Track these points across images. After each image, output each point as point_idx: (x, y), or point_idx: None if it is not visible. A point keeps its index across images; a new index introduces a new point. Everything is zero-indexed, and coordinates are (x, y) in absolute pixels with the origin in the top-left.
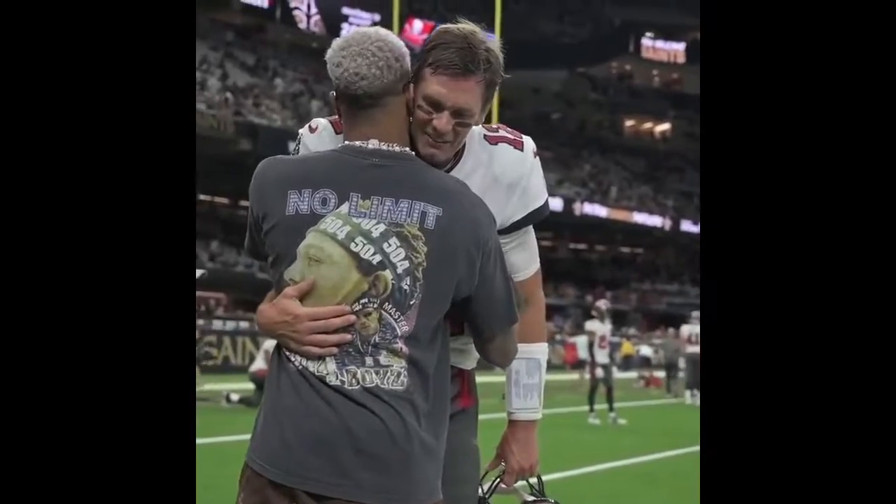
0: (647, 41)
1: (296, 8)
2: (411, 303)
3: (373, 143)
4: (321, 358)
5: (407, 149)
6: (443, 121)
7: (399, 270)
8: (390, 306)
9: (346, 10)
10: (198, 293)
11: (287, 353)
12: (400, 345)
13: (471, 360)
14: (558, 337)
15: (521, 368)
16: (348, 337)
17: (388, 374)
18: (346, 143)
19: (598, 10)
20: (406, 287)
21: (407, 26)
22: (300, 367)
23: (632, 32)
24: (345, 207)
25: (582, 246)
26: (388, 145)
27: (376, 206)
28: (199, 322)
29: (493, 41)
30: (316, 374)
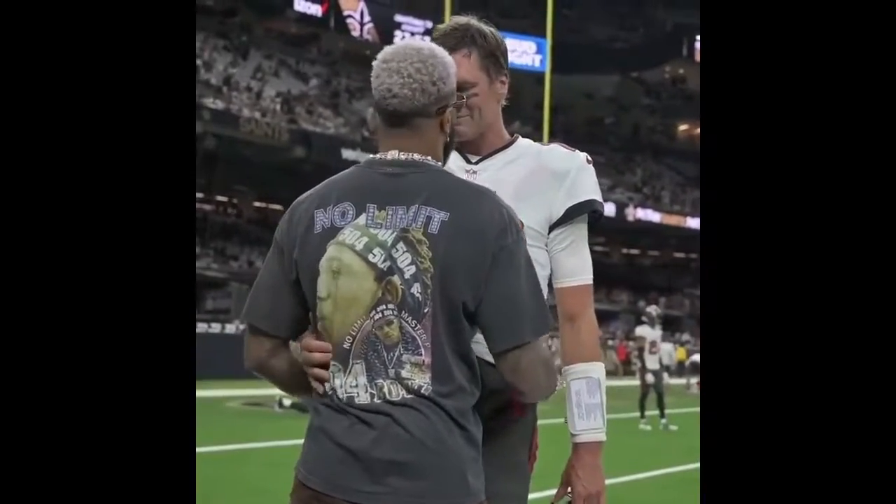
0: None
1: (349, 16)
2: (425, 311)
3: (392, 154)
4: (352, 371)
5: (429, 157)
6: None
7: (406, 276)
8: (406, 314)
9: (398, 18)
10: None
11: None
12: (423, 356)
13: None
14: (611, 343)
15: (582, 388)
16: (325, 374)
17: (411, 386)
18: (370, 157)
19: (650, 14)
20: (417, 294)
21: None
22: (333, 387)
23: (685, 36)
24: (362, 219)
25: (635, 251)
26: (408, 155)
27: (391, 215)
28: None
29: (483, 22)
30: (347, 391)
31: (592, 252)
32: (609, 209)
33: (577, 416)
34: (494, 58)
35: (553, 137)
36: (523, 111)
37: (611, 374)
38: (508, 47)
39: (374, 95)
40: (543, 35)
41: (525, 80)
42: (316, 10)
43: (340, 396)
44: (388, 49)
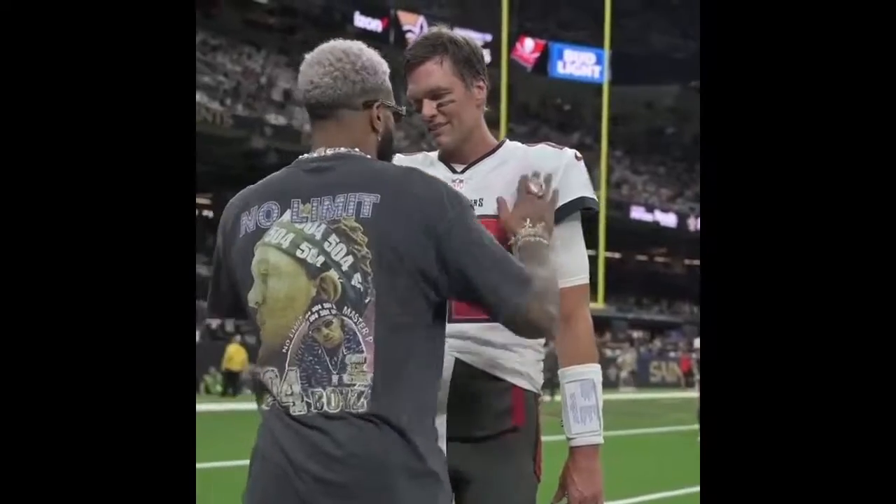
0: None
1: (409, 31)
2: (367, 301)
3: (318, 151)
4: (286, 378)
5: (356, 150)
6: (426, 108)
7: (344, 268)
8: (349, 309)
9: (457, 31)
10: None
11: (263, 395)
12: (364, 353)
13: (522, 378)
14: (672, 354)
15: (577, 391)
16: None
17: (351, 393)
18: (299, 157)
19: None
20: (358, 285)
21: (518, 45)
22: (269, 404)
23: None
24: (287, 215)
25: (697, 262)
26: (334, 149)
27: (316, 207)
28: None
29: (450, 31)
30: (283, 400)
31: (654, 263)
32: (670, 220)
33: (572, 420)
34: (469, 63)
35: (613, 148)
36: (583, 122)
37: (674, 385)
38: (567, 59)
39: (299, 96)
40: (602, 46)
41: (585, 92)
42: (376, 25)
43: (279, 407)
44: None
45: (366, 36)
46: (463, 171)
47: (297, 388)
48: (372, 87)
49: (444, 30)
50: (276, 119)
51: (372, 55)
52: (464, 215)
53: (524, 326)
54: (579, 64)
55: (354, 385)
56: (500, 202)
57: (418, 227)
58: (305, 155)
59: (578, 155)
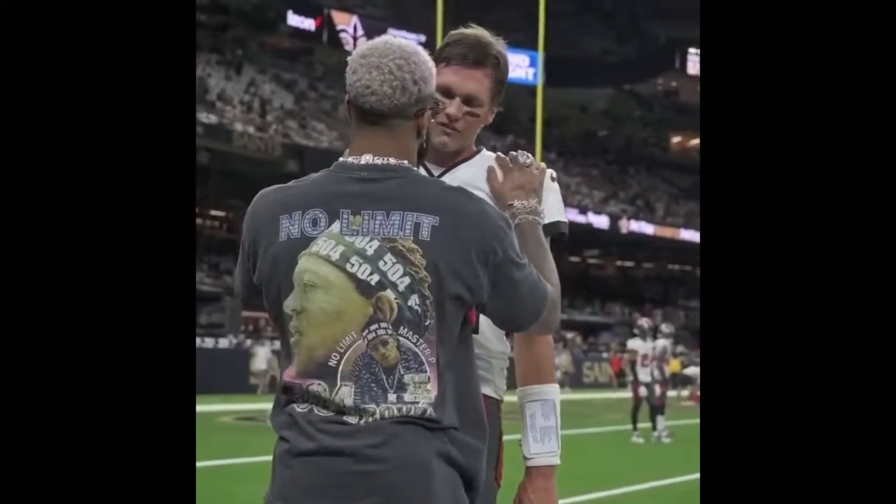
0: (693, 57)
1: (342, 30)
2: (426, 323)
3: (365, 158)
4: (339, 392)
5: (405, 161)
6: (454, 107)
7: (401, 288)
8: (405, 329)
9: (392, 31)
10: (244, 313)
11: (300, 401)
12: (427, 373)
13: (487, 385)
14: (605, 355)
15: (537, 411)
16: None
17: (413, 410)
18: (340, 160)
19: (644, 28)
20: (415, 306)
21: None
22: (307, 408)
23: (677, 49)
24: (336, 226)
25: (629, 263)
26: (383, 159)
27: (367, 220)
28: (248, 342)
29: (501, 43)
30: (335, 407)
31: (587, 265)
32: (603, 222)
33: (531, 440)
34: (502, 86)
35: (546, 150)
36: (517, 124)
37: (606, 386)
38: None
39: (350, 91)
40: (536, 48)
41: (518, 94)
42: (309, 24)
43: (320, 414)
44: (366, 44)
45: (299, 35)
46: (440, 175)
47: (349, 402)
48: (425, 96)
49: (500, 40)
50: (207, 118)
51: (427, 60)
52: (513, 243)
53: (534, 330)
54: (513, 66)
55: (418, 403)
56: (491, 171)
57: (475, 254)
58: (351, 159)
59: (554, 175)
